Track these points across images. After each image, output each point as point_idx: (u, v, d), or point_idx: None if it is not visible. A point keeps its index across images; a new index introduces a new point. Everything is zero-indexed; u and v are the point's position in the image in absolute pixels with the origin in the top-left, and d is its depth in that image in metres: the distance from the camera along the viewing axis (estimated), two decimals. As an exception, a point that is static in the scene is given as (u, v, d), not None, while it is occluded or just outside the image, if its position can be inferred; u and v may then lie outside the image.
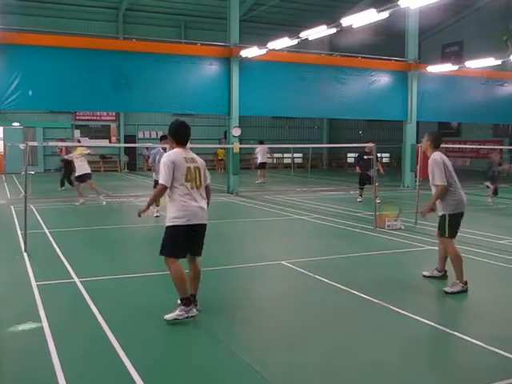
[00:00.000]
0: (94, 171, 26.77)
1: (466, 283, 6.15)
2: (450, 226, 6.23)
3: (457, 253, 6.26)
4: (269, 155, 25.90)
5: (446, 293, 6.11)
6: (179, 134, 5.29)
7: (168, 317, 5.05)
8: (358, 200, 15.29)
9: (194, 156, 5.28)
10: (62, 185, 19.03)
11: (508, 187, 21.03)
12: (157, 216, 11.95)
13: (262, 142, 23.14)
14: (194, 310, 5.12)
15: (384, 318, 5.34)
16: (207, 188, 5.44)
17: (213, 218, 12.52)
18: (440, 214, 6.33)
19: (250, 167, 33.38)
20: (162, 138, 11.82)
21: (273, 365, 4.20)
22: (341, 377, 4.08)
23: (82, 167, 14.25)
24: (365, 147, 15.00)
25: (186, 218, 5.08)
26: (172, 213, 5.13)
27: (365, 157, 15.00)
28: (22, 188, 17.51)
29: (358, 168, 15.58)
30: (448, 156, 6.89)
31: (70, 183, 19.36)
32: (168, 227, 5.19)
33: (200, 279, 5.43)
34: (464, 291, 6.10)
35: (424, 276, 6.79)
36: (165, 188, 5.10)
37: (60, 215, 13.12)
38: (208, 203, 5.48)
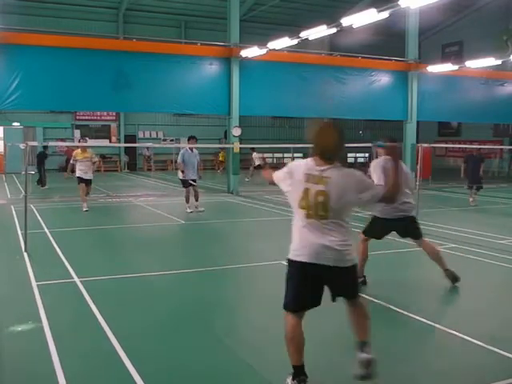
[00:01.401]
0: (94, 171, 26.85)
1: (364, 277, 6.29)
2: (371, 224, 6.40)
3: (363, 250, 6.35)
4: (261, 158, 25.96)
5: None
6: (314, 143, 3.69)
7: None
8: None
9: (331, 175, 3.57)
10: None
11: (507, 187, 21.05)
12: (191, 212, 12.81)
13: (253, 149, 23.14)
14: None
15: (384, 318, 5.34)
16: None
17: (213, 217, 12.60)
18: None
19: (250, 167, 33.41)
20: (190, 139, 12.99)
21: (273, 365, 4.20)
22: (341, 377, 4.08)
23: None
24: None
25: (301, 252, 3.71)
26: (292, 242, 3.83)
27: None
28: (22, 188, 17.52)
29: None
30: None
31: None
32: None
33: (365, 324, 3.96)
34: (362, 284, 6.10)
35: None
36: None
37: (60, 215, 13.12)
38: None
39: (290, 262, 3.77)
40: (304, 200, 3.59)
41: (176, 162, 30.76)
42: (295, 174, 3.67)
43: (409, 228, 6.38)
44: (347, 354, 4.13)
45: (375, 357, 3.76)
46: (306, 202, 3.58)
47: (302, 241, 3.66)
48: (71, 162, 13.48)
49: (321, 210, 3.55)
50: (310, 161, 3.67)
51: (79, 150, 13.32)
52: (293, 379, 3.67)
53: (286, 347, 3.67)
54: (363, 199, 3.63)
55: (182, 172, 12.77)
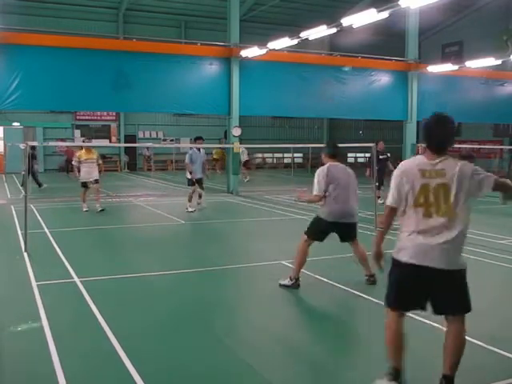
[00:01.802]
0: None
1: (297, 280, 6.22)
2: (313, 225, 6.36)
3: (303, 251, 6.29)
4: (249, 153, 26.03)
5: (280, 284, 6.27)
6: (427, 135, 3.62)
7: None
8: (380, 202, 13.87)
9: (447, 167, 3.51)
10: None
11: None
12: (192, 211, 13.02)
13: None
14: None
15: (384, 318, 5.33)
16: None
17: (213, 217, 12.61)
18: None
19: (250, 167, 33.41)
20: (198, 139, 13.24)
21: (273, 365, 4.20)
22: (341, 376, 4.08)
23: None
24: (377, 146, 14.59)
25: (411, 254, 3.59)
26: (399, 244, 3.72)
27: (380, 156, 14.40)
28: (21, 188, 17.51)
29: (369, 171, 14.66)
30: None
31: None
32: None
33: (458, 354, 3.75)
34: (294, 288, 6.17)
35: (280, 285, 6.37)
36: (392, 210, 3.73)
37: (60, 215, 13.12)
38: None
39: (398, 262, 3.67)
40: (422, 196, 3.51)
41: (176, 161, 30.76)
42: (407, 175, 3.57)
43: (352, 233, 6.43)
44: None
45: None
46: (425, 197, 3.51)
47: (411, 240, 3.57)
48: (74, 163, 13.14)
49: (442, 204, 3.50)
50: (420, 157, 3.62)
51: (83, 151, 12.93)
52: (390, 379, 3.66)
53: (388, 353, 3.73)
54: (482, 189, 3.54)
55: (190, 173, 13.05)
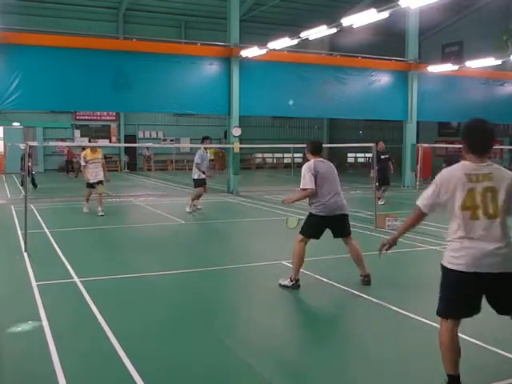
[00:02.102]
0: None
1: (297, 281, 6.22)
2: (307, 224, 6.37)
3: (299, 252, 6.27)
4: None
5: (280, 284, 6.30)
6: (474, 138, 3.63)
7: None
8: (381, 203, 14.19)
9: (493, 170, 3.55)
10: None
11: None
12: (192, 211, 12.88)
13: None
14: None
15: (384, 318, 5.34)
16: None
17: (213, 217, 12.62)
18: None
19: (250, 167, 33.42)
20: (205, 139, 13.15)
21: (273, 365, 4.20)
22: (341, 376, 4.08)
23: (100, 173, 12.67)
24: (377, 146, 14.55)
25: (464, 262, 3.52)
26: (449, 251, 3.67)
27: (381, 156, 14.46)
28: (21, 188, 17.52)
29: (372, 171, 14.19)
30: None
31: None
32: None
33: None
34: (294, 288, 6.19)
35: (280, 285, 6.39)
36: (421, 215, 3.86)
37: (60, 215, 13.12)
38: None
39: (449, 270, 3.62)
40: (469, 200, 3.51)
41: (176, 161, 30.72)
42: (449, 182, 3.57)
43: (345, 226, 6.55)
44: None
45: None
46: (472, 201, 3.51)
47: (462, 246, 3.54)
48: (82, 163, 12.68)
49: (490, 208, 3.50)
50: (463, 163, 3.60)
51: (89, 151, 12.51)
52: None
53: (442, 357, 3.69)
54: None
55: (203, 173, 12.79)
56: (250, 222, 12.40)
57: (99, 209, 12.46)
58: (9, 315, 5.36)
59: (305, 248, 6.34)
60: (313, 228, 6.37)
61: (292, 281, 6.27)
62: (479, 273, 3.46)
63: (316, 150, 6.63)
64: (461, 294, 3.57)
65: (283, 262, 7.61)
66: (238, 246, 9.53)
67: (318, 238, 6.45)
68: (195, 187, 13.15)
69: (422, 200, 3.78)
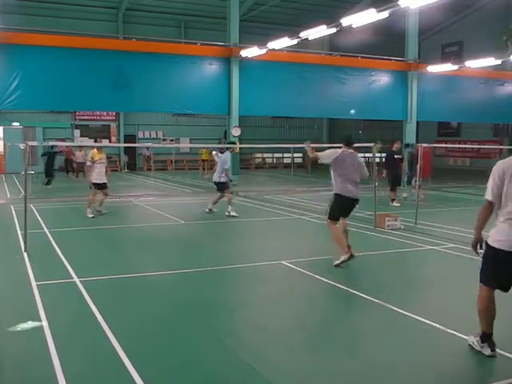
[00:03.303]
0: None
1: (349, 251, 7.26)
2: (334, 205, 7.66)
3: (336, 232, 7.52)
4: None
5: (336, 265, 7.22)
6: None
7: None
8: (396, 204, 14.12)
9: None
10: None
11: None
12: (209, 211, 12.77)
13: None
14: (488, 351, 4.29)
15: (384, 318, 5.34)
16: None
17: (213, 217, 12.61)
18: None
19: (249, 167, 33.41)
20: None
21: (273, 365, 4.20)
22: (341, 377, 4.08)
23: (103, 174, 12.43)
24: (392, 146, 14.64)
25: (506, 242, 4.07)
26: (494, 233, 4.20)
27: (395, 156, 14.47)
28: (21, 188, 17.52)
29: (385, 172, 14.52)
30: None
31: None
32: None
33: None
34: (351, 259, 7.26)
35: (335, 265, 7.31)
36: (491, 205, 4.22)
37: (60, 215, 13.11)
38: None
39: (495, 249, 4.12)
40: None
41: (175, 162, 30.68)
42: (506, 172, 4.09)
43: (354, 208, 7.91)
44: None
45: None
46: None
47: (505, 227, 4.08)
48: (88, 163, 12.40)
49: None
50: None
51: (95, 151, 12.33)
52: (482, 342, 4.30)
53: (480, 315, 4.35)
54: None
55: (227, 176, 12.45)
56: (249, 222, 12.40)
57: (100, 208, 12.40)
58: (9, 315, 5.36)
59: (337, 227, 7.59)
60: (339, 208, 7.63)
61: (346, 253, 7.26)
62: None
63: (346, 142, 8.07)
64: (504, 269, 4.11)
65: (283, 262, 7.61)
66: (237, 246, 9.52)
67: (345, 216, 7.77)
68: (220, 190, 12.64)
69: (488, 193, 4.20)
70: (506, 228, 4.07)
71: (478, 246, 4.32)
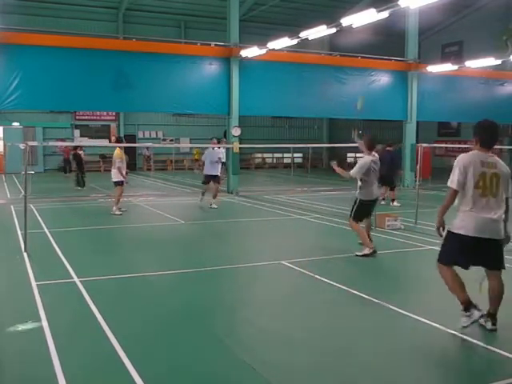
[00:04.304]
0: (94, 171, 26.82)
1: (372, 248, 7.92)
2: (357, 209, 8.13)
3: (359, 228, 8.18)
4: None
5: (357, 255, 7.91)
6: (485, 135, 4.83)
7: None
8: (396, 204, 14.43)
9: (496, 161, 4.76)
10: (80, 185, 19.36)
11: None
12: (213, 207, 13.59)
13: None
14: (476, 313, 4.73)
15: (384, 318, 5.34)
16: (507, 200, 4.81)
17: (213, 217, 12.62)
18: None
19: (249, 167, 33.41)
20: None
21: (273, 365, 4.21)
22: (341, 377, 4.08)
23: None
24: (389, 146, 14.83)
25: (470, 228, 4.63)
26: (459, 220, 4.74)
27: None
28: (21, 188, 17.52)
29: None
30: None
31: (83, 184, 19.42)
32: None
33: (500, 297, 4.81)
34: (372, 254, 7.92)
35: (357, 255, 7.98)
36: (455, 193, 4.75)
37: (60, 215, 13.12)
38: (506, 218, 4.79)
39: (458, 235, 4.68)
40: (481, 181, 4.62)
41: (175, 161, 30.65)
42: (470, 165, 4.66)
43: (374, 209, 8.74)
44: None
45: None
46: (483, 182, 4.62)
47: (471, 215, 4.62)
48: (118, 165, 12.75)
49: (495, 188, 4.64)
50: (476, 152, 4.77)
51: (120, 151, 13.03)
52: (465, 311, 4.74)
53: (453, 292, 4.88)
54: (508, 191, 4.76)
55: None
56: (249, 222, 12.40)
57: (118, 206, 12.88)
58: (9, 315, 5.36)
59: (359, 224, 8.20)
60: (363, 211, 8.17)
61: (370, 248, 7.94)
62: (483, 238, 4.58)
63: (371, 147, 8.29)
64: (463, 252, 4.69)
65: (283, 262, 7.61)
66: (237, 246, 9.53)
67: (367, 217, 8.39)
68: (211, 182, 13.94)
69: (454, 182, 4.71)
70: (471, 216, 4.62)
71: (441, 229, 4.87)
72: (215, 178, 13.78)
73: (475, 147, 4.82)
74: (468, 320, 4.73)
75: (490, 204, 4.62)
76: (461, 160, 4.73)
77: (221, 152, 14.13)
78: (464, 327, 4.75)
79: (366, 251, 7.94)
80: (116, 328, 4.88)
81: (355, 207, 8.15)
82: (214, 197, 13.81)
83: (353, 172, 8.04)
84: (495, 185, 4.64)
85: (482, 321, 4.77)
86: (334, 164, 8.33)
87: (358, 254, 7.98)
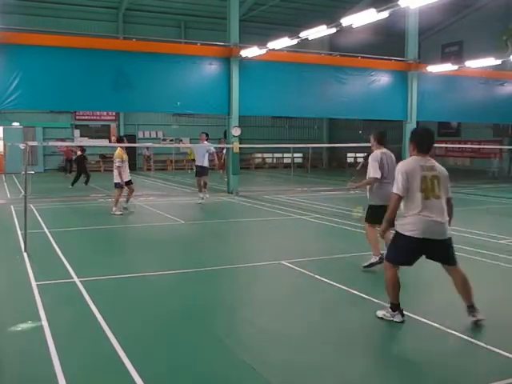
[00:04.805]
0: (94, 171, 26.79)
1: (381, 255, 6.85)
2: (371, 214, 7.27)
3: (372, 234, 7.22)
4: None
5: (364, 267, 7.16)
6: (421, 141, 5.04)
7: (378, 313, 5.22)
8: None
9: (434, 164, 5.02)
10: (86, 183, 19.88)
11: (508, 186, 21.05)
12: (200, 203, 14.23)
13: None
14: (399, 317, 5.08)
15: (384, 318, 5.34)
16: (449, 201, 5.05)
17: (213, 217, 12.63)
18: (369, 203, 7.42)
19: (249, 167, 33.41)
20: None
21: (273, 365, 4.21)
22: (341, 377, 4.08)
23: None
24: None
25: (418, 231, 4.84)
26: (407, 222, 4.94)
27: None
28: (21, 188, 17.52)
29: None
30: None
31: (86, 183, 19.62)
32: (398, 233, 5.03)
33: (467, 287, 5.07)
34: (379, 262, 6.96)
35: (364, 267, 7.26)
36: (399, 198, 4.93)
37: (60, 215, 13.12)
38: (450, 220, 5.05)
39: (406, 236, 4.88)
40: (423, 184, 4.84)
41: (175, 161, 30.65)
42: (411, 171, 4.87)
43: None
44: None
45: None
46: (425, 186, 4.84)
47: (418, 218, 4.80)
48: (117, 164, 12.64)
49: (436, 190, 4.87)
50: (415, 157, 4.99)
51: (121, 151, 12.99)
52: (393, 311, 5.06)
53: (389, 291, 5.12)
54: (448, 193, 4.98)
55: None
56: (249, 222, 12.41)
57: (127, 205, 13.15)
58: (9, 315, 5.36)
59: (374, 230, 7.41)
60: (377, 216, 7.23)
61: (377, 256, 7.21)
62: (430, 239, 4.82)
63: (382, 141, 7.56)
64: (411, 252, 4.96)
65: (283, 262, 7.61)
66: (237, 246, 9.53)
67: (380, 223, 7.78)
68: (200, 175, 14.87)
69: (398, 188, 4.91)
70: (419, 219, 4.81)
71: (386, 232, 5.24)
72: (203, 170, 14.58)
73: (413, 153, 5.05)
74: (387, 315, 5.09)
75: (434, 206, 4.84)
76: (402, 167, 4.95)
77: (208, 145, 15.10)
78: (379, 317, 5.14)
79: (373, 260, 7.26)
80: (116, 328, 4.88)
81: (369, 211, 7.51)
82: (200, 190, 14.65)
83: (371, 173, 7.23)
84: (436, 186, 4.87)
85: (471, 317, 5.00)
86: (351, 185, 8.07)
87: (364, 265, 7.28)
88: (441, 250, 4.97)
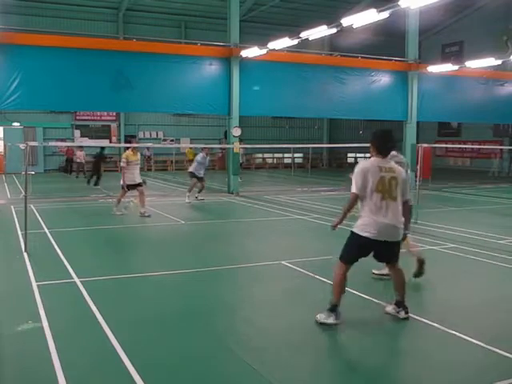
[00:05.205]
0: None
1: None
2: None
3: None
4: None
5: (373, 273, 6.85)
6: (380, 143, 5.10)
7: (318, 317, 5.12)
8: None
9: (393, 166, 5.09)
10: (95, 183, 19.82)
11: (508, 186, 21.05)
12: (188, 202, 14.73)
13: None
14: (334, 318, 5.07)
15: (383, 318, 5.34)
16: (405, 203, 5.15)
17: (213, 217, 12.62)
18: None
19: (250, 167, 33.40)
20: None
21: (273, 365, 4.21)
22: (341, 377, 4.08)
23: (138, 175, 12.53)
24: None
25: (375, 232, 4.91)
26: (362, 223, 5.02)
27: None
28: (21, 188, 17.52)
29: None
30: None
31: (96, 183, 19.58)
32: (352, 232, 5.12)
33: (403, 283, 5.32)
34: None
35: (374, 274, 6.89)
36: (356, 196, 4.98)
37: (60, 215, 13.12)
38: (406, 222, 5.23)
39: (360, 236, 4.96)
40: (380, 185, 4.88)
41: (176, 162, 30.69)
42: (370, 171, 4.91)
43: None
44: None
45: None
46: (383, 186, 4.89)
47: (374, 220, 4.87)
48: (122, 164, 12.26)
49: (393, 192, 4.92)
50: (374, 159, 5.04)
51: (130, 152, 12.25)
52: (332, 312, 5.03)
53: (334, 290, 5.11)
54: (406, 194, 5.10)
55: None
56: (249, 221, 12.41)
57: (143, 210, 12.28)
58: (9, 315, 5.36)
59: None
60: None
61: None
62: (383, 240, 4.91)
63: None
64: (363, 252, 5.05)
65: (283, 262, 7.61)
66: (238, 246, 9.53)
67: None
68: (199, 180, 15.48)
69: (355, 188, 4.94)
70: (373, 221, 4.87)
71: (336, 227, 5.23)
72: (202, 177, 15.47)
73: (372, 155, 5.10)
74: (327, 317, 5.02)
75: (390, 208, 4.90)
76: (361, 167, 5.01)
77: (208, 159, 15.87)
78: (321, 323, 5.01)
79: (385, 271, 6.40)
80: (116, 328, 4.88)
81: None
82: (190, 190, 15.23)
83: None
84: (394, 188, 4.93)
85: (393, 311, 5.25)
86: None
87: (375, 272, 6.87)
88: (391, 250, 5.10)
